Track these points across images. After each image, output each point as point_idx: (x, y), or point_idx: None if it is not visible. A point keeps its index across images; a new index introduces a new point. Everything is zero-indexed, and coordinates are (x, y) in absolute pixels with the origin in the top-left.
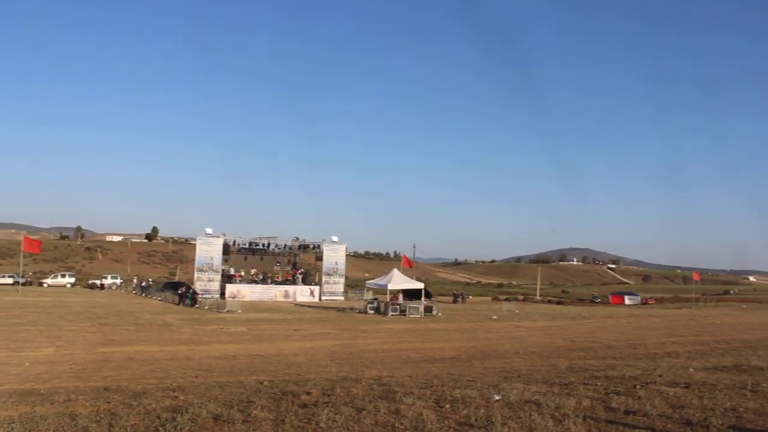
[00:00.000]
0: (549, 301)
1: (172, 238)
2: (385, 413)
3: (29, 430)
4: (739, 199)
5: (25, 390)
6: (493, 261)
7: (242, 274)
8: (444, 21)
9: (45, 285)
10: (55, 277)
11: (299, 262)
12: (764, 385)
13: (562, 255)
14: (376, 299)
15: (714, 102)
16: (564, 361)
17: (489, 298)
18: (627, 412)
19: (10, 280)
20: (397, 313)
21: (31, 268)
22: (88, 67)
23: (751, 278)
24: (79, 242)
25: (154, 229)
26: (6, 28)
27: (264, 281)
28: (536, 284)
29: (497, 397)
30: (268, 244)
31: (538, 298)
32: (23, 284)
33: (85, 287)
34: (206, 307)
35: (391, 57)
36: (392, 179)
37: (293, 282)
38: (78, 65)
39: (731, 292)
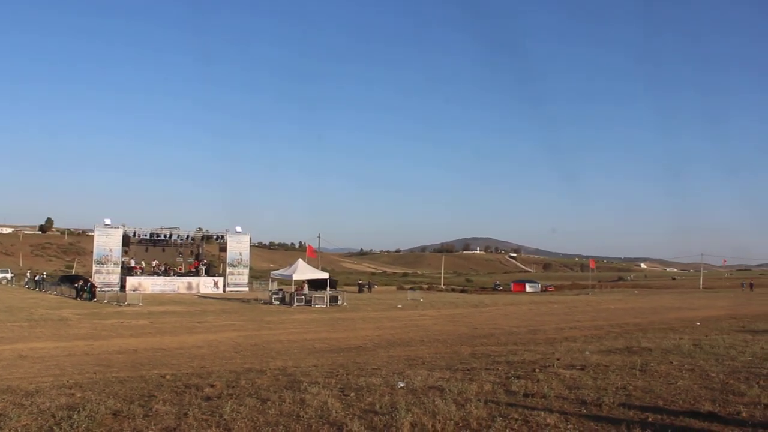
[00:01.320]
0: (453, 290)
1: (68, 229)
2: (290, 403)
3: None
4: (636, 190)
5: None
6: (398, 251)
7: (143, 266)
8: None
9: None
10: None
11: (202, 253)
12: (652, 364)
13: (466, 244)
14: (281, 290)
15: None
16: (467, 347)
17: (394, 288)
18: (526, 395)
19: None
20: (303, 303)
21: None
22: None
23: (643, 265)
24: None
25: (49, 221)
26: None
27: (166, 273)
28: (440, 273)
29: (401, 384)
30: (170, 235)
31: (442, 286)
32: None
33: None
34: (105, 301)
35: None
36: (296, 170)
37: (196, 273)
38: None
39: (627, 278)
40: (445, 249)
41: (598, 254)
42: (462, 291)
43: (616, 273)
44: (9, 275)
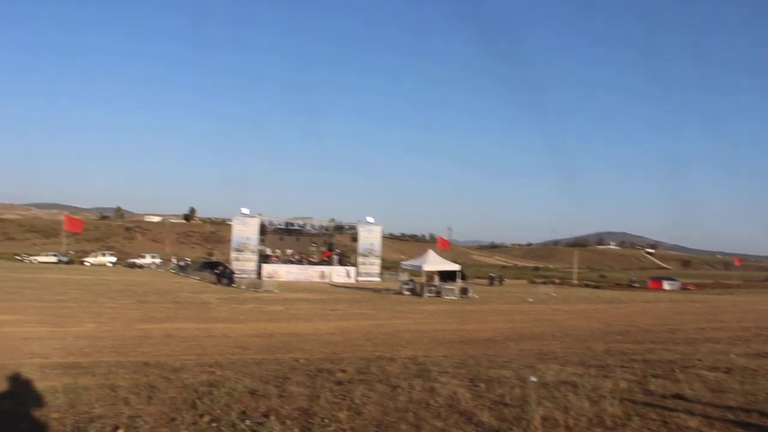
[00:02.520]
0: (586, 285)
1: (209, 218)
2: (419, 391)
3: (72, 399)
4: None
5: (68, 363)
6: (529, 244)
7: (278, 254)
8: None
9: (87, 264)
10: (96, 256)
11: (335, 243)
12: None
13: (600, 239)
14: (411, 280)
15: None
16: (601, 344)
17: (525, 282)
18: (665, 395)
19: (53, 259)
20: (433, 294)
21: (74, 247)
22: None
23: None
24: (119, 222)
25: (192, 210)
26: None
27: (300, 262)
28: (573, 268)
29: (533, 378)
30: (304, 225)
31: (575, 281)
32: (66, 263)
33: (125, 266)
34: (243, 287)
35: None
36: (426, 161)
37: (329, 263)
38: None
39: None
40: (578, 243)
41: (744, 251)
42: (596, 287)
43: (766, 272)
44: (157, 261)
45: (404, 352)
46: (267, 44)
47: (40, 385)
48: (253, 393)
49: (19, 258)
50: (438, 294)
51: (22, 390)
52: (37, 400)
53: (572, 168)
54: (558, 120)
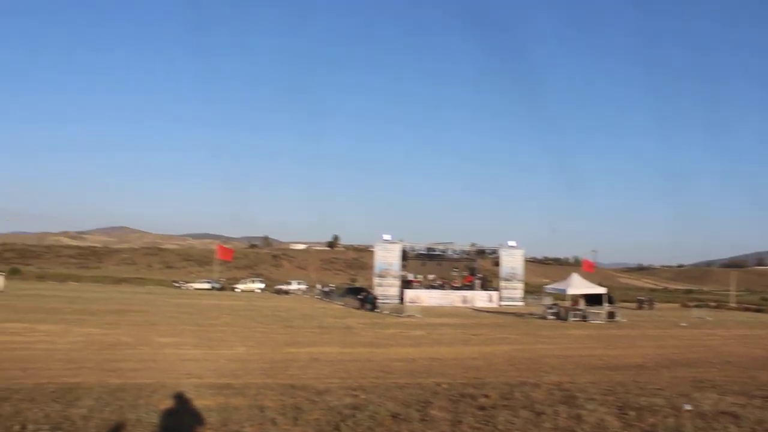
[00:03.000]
0: (746, 309)
1: (352, 245)
2: (565, 418)
3: (224, 418)
4: None
5: (221, 384)
6: (680, 266)
7: (420, 279)
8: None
9: (237, 290)
10: (246, 282)
11: (477, 268)
12: None
13: (759, 259)
14: (555, 304)
15: None
16: (765, 373)
17: (677, 305)
18: None
19: (207, 285)
20: (578, 318)
21: (225, 274)
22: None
23: None
24: (266, 251)
25: (335, 237)
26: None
27: (442, 287)
28: (730, 290)
29: (688, 407)
30: (446, 250)
31: (732, 304)
32: (218, 289)
33: (272, 292)
34: (386, 312)
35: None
36: (567, 185)
37: (471, 287)
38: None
39: None
40: (734, 264)
41: None
42: (757, 310)
43: None
44: (303, 287)
45: (549, 377)
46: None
47: (196, 403)
48: (395, 417)
49: (176, 285)
50: (584, 318)
51: (180, 408)
52: (194, 417)
53: (730, 185)
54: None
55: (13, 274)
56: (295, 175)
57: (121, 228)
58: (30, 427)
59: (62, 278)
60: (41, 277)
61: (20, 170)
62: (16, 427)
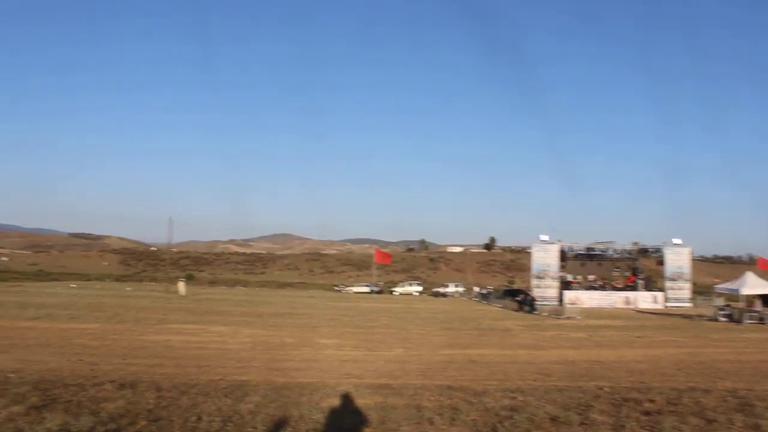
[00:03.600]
0: None
1: (509, 247)
2: (740, 427)
3: (382, 417)
4: None
5: (379, 384)
6: None
7: (580, 280)
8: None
9: (395, 293)
10: (404, 285)
11: (639, 267)
12: None
13: None
14: (728, 305)
15: None
16: None
17: None
18: None
19: (366, 289)
20: (755, 321)
21: (383, 278)
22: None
23: None
24: (423, 254)
25: (492, 239)
26: None
27: (603, 288)
28: None
29: None
30: (606, 250)
31: None
32: (377, 292)
33: (429, 295)
34: (545, 314)
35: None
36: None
37: (633, 288)
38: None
39: None
40: None
41: None
42: None
43: None
44: (460, 289)
45: (722, 383)
46: None
47: (355, 402)
48: (554, 419)
49: (336, 288)
50: (761, 321)
51: (341, 406)
52: (353, 415)
53: None
54: None
55: (187, 279)
56: (450, 178)
57: (285, 235)
58: (204, 418)
59: (231, 283)
60: (212, 283)
61: (192, 183)
62: (193, 418)
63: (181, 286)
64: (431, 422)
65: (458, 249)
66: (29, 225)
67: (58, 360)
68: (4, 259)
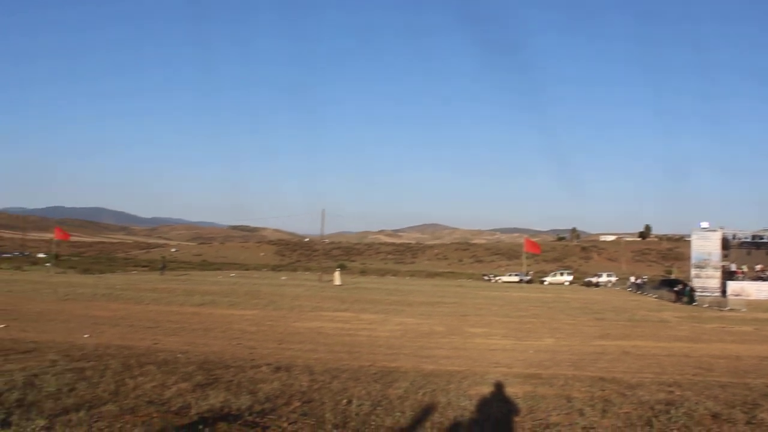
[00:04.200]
0: None
1: (665, 235)
2: None
3: (530, 406)
4: None
5: (528, 373)
6: None
7: (745, 270)
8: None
9: (545, 282)
10: (555, 275)
11: None
12: None
13: None
14: None
15: None
16: None
17: None
18: None
19: (515, 278)
20: None
21: (533, 267)
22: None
23: None
24: (574, 243)
25: (647, 228)
26: None
27: None
28: None
29: None
30: None
31: None
32: (526, 282)
33: (581, 285)
34: (705, 305)
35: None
36: None
37: None
38: None
39: None
40: None
41: None
42: None
43: None
44: (613, 279)
45: None
46: None
47: (504, 391)
48: (715, 416)
49: (486, 278)
50: None
51: (489, 394)
52: (502, 404)
53: None
54: None
55: (340, 269)
56: (602, 167)
57: (433, 225)
58: (354, 402)
59: (381, 273)
60: (363, 272)
61: (334, 175)
62: (344, 401)
63: (337, 276)
64: (581, 413)
65: (611, 238)
66: (194, 218)
67: (221, 343)
68: (173, 250)
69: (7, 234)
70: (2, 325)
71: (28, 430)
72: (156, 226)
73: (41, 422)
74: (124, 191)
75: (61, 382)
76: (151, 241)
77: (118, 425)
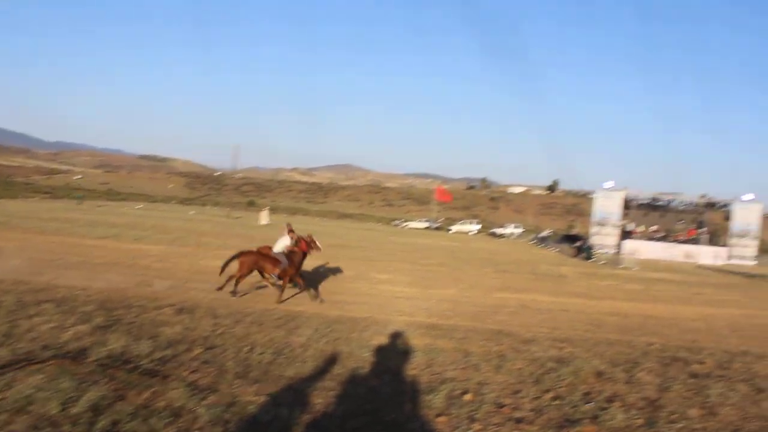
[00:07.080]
0: None
1: (572, 191)
2: None
3: (429, 360)
4: None
5: (430, 323)
6: None
7: (641, 230)
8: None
9: (450, 231)
10: (463, 223)
11: (705, 222)
12: None
13: None
14: None
15: None
16: None
17: None
18: None
19: (424, 225)
20: None
21: (443, 214)
22: None
23: None
24: (483, 192)
25: (555, 182)
26: None
27: (664, 239)
28: None
29: None
30: (671, 201)
31: None
32: (435, 229)
33: (487, 235)
34: (602, 262)
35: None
36: None
37: (696, 242)
38: None
39: None
40: None
41: None
42: None
43: None
44: (519, 231)
45: None
46: None
47: (403, 342)
48: (599, 375)
49: (395, 223)
50: None
51: (389, 345)
52: (401, 357)
53: None
54: None
55: (249, 206)
56: (516, 115)
57: (347, 166)
58: (257, 350)
59: (291, 211)
60: (273, 209)
61: (260, 109)
62: (246, 349)
63: (264, 215)
64: (477, 368)
65: (520, 189)
66: (101, 145)
67: (124, 280)
68: (77, 177)
69: None
70: None
71: None
72: (59, 150)
73: None
74: (26, 112)
75: None
76: (53, 166)
77: (10, 373)
